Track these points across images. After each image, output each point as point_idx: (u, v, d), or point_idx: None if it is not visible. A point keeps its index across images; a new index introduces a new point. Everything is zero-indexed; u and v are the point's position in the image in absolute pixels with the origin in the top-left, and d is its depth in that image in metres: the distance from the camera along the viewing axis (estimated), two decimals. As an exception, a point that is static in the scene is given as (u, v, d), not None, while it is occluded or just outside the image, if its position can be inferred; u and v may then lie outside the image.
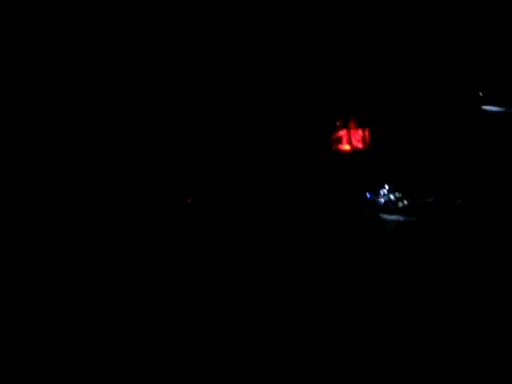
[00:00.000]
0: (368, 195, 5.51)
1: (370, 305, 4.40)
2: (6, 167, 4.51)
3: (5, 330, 3.72)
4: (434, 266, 4.76)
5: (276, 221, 5.11)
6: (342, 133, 5.51)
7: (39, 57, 4.59)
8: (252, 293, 4.28)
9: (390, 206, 5.54)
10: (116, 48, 4.79)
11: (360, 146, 5.52)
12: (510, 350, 3.66)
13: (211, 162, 5.14)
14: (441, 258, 4.85)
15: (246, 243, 4.84)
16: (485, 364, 3.62)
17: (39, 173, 4.59)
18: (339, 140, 5.55)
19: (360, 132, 5.50)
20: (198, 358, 3.55)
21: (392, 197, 5.54)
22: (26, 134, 4.57)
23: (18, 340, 3.65)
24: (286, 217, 5.16)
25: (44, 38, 4.55)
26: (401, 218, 5.44)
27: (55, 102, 4.67)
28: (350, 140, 5.51)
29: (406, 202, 5.50)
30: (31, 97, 4.60)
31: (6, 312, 3.86)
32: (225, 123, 5.17)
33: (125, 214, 4.71)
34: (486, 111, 5.35)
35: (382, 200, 5.56)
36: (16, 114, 4.57)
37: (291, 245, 4.93)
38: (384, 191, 5.53)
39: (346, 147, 5.55)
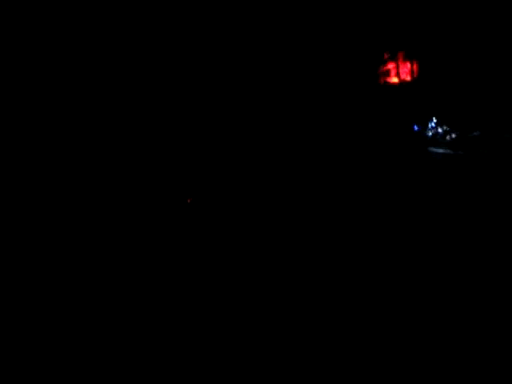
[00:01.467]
0: (416, 128, 5.59)
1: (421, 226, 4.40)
2: (5, 167, 4.56)
3: (4, 329, 3.72)
4: (481, 200, 4.74)
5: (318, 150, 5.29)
6: (391, 66, 5.66)
7: (39, 56, 4.67)
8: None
9: (437, 140, 5.58)
10: (116, 47, 4.87)
11: (408, 78, 5.61)
12: None
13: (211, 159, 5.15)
14: (488, 193, 4.82)
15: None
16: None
17: (39, 172, 4.65)
18: (387, 73, 5.69)
19: (408, 65, 5.60)
20: (198, 357, 3.43)
21: (440, 130, 5.57)
22: (25, 133, 4.63)
23: (18, 339, 3.63)
24: (334, 148, 5.35)
25: (43, 38, 4.65)
26: (448, 152, 5.46)
27: (54, 102, 4.73)
28: (399, 73, 5.64)
29: (453, 135, 5.51)
30: (31, 96, 4.67)
31: (5, 312, 3.88)
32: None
33: (124, 213, 4.76)
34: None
35: (430, 133, 5.59)
36: (15, 114, 4.63)
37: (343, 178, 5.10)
38: (432, 124, 5.57)
39: (395, 80, 5.68)
